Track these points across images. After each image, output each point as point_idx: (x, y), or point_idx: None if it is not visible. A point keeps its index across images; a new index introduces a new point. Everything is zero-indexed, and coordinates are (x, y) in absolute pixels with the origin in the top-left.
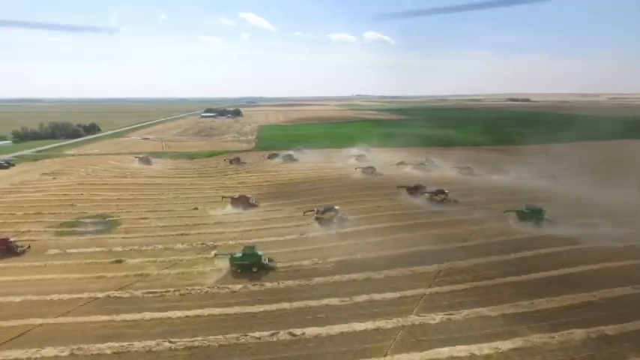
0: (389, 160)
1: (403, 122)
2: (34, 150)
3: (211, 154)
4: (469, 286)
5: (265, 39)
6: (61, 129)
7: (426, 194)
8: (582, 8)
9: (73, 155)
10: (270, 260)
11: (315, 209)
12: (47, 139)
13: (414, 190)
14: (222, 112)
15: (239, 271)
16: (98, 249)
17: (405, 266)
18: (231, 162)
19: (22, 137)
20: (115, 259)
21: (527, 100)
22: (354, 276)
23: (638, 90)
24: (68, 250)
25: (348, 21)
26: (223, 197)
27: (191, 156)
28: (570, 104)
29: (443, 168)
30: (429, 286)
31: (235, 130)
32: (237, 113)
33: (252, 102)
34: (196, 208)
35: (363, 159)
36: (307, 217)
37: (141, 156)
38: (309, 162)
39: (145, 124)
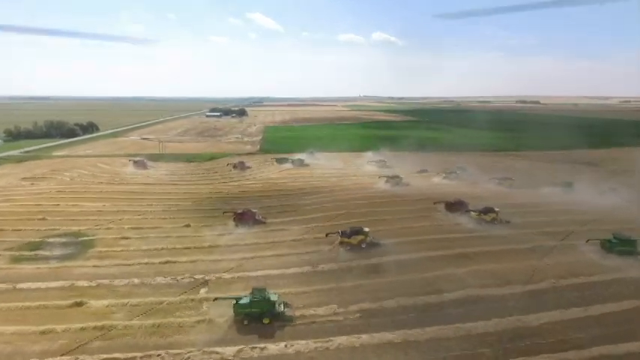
0: (410, 167)
1: (416, 124)
2: (23, 150)
3: (212, 157)
4: (552, 359)
5: (272, 39)
6: (57, 128)
7: (472, 213)
8: (592, 11)
9: (62, 157)
10: (286, 306)
11: (340, 231)
12: (41, 139)
13: (455, 206)
14: (227, 112)
15: (245, 322)
16: (58, 283)
17: (455, 321)
18: (234, 166)
19: (14, 136)
20: (75, 300)
21: (536, 102)
22: (389, 336)
23: None
24: (19, 286)
25: (356, 21)
26: (225, 212)
27: (190, 159)
28: (581, 107)
29: (478, 177)
30: (496, 359)
31: (240, 130)
32: (242, 113)
33: (258, 102)
34: (188, 225)
35: (383, 165)
36: (324, 241)
37: (136, 159)
38: (324, 168)
39: (147, 123)
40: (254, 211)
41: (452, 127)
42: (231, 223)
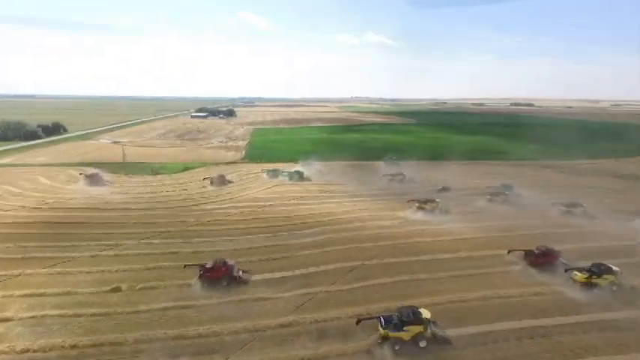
0: (432, 181)
1: (418, 128)
2: None
3: (186, 168)
4: None
5: (264, 39)
6: (14, 129)
7: (575, 273)
8: (584, 14)
9: (3, 166)
10: None
11: (380, 317)
12: None
13: (541, 259)
14: (214, 112)
15: None
16: None
17: None
18: (211, 182)
19: None
20: None
21: (530, 104)
22: None
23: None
24: None
25: (349, 22)
26: (187, 266)
27: (158, 170)
28: (576, 110)
29: (532, 200)
30: None
31: (225, 133)
32: (230, 113)
33: (250, 102)
34: (118, 289)
35: (402, 180)
36: (338, 327)
37: (89, 172)
38: (328, 185)
39: (125, 124)
40: (230, 263)
41: (456, 131)
42: (196, 281)
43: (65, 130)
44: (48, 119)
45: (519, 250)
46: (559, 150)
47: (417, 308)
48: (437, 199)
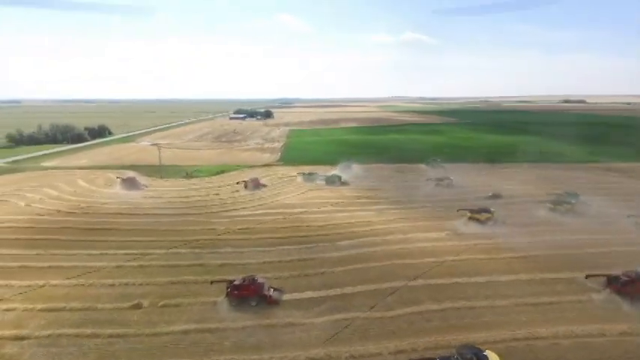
0: (480, 186)
1: (458, 127)
2: (9, 160)
3: (221, 170)
4: None
5: (302, 40)
6: (63, 132)
7: None
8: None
9: (48, 168)
10: None
11: (439, 359)
12: (47, 144)
13: (631, 287)
14: (252, 114)
15: None
16: None
17: None
18: (245, 185)
19: (17, 141)
20: None
21: (582, 101)
22: None
23: None
24: None
25: (386, 21)
26: (213, 282)
27: (193, 173)
28: (636, 106)
29: (601, 210)
30: None
31: (262, 134)
32: (267, 115)
33: (288, 103)
34: (139, 306)
35: (450, 184)
36: None
37: (125, 177)
38: (366, 189)
39: (165, 126)
40: (261, 281)
41: (503, 131)
42: (223, 299)
43: (110, 133)
44: (94, 122)
45: (600, 274)
46: (623, 151)
47: (481, 350)
48: (492, 209)
